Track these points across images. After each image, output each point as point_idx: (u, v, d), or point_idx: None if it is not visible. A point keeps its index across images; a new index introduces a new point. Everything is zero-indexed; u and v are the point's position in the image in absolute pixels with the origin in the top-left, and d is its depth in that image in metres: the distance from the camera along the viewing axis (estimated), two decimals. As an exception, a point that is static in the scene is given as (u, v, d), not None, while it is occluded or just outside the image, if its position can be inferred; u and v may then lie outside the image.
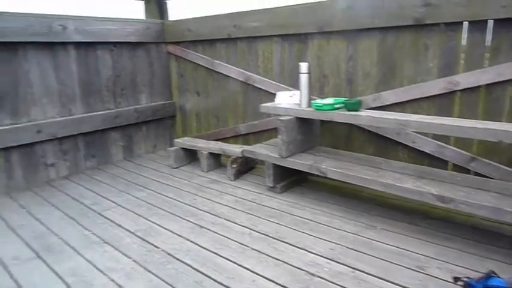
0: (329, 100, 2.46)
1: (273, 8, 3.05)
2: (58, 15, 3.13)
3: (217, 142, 3.46)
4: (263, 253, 1.96)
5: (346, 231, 2.17)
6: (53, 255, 1.98)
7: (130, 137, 3.79)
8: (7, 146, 2.91)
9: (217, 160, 3.39)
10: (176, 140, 3.55)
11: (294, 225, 2.26)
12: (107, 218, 2.42)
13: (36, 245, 2.10)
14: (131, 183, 3.05)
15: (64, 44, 3.19)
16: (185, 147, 3.45)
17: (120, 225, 2.31)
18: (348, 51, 2.73)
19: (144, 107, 3.83)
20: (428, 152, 2.50)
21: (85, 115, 3.36)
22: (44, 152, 3.15)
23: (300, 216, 2.37)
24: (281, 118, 2.57)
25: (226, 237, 2.14)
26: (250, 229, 2.23)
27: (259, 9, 3.14)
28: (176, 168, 3.43)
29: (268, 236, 2.14)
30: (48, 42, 3.08)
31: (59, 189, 2.97)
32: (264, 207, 2.54)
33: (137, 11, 4.10)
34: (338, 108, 2.41)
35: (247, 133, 3.48)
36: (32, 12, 2.99)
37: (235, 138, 3.59)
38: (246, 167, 3.25)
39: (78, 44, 3.28)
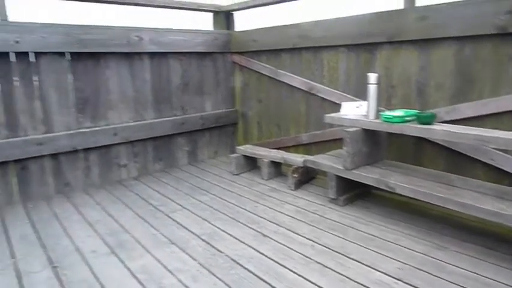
0: (399, 112, 2.36)
1: (340, 17, 3.02)
2: (135, 27, 3.37)
3: (278, 151, 3.48)
4: (327, 267, 1.92)
5: (415, 251, 2.06)
6: (125, 252, 2.11)
7: (195, 143, 3.95)
8: (87, 147, 3.18)
9: (277, 169, 3.40)
10: (238, 147, 3.63)
11: (359, 240, 2.19)
12: (173, 220, 2.53)
13: (111, 241, 2.25)
14: (195, 187, 3.17)
15: (139, 54, 3.42)
16: (246, 154, 3.52)
17: (186, 228, 2.40)
18: (419, 61, 2.61)
19: (209, 114, 3.98)
20: (509, 171, 2.30)
21: (155, 121, 3.57)
22: (117, 154, 3.39)
23: (365, 232, 2.30)
24: (347, 129, 2.52)
25: (289, 247, 2.14)
26: (312, 241, 2.20)
27: (325, 20, 3.12)
28: (237, 174, 3.50)
29: (332, 249, 2.10)
30: (126, 52, 3.32)
31: (129, 189, 3.17)
32: (326, 219, 2.50)
33: (205, 21, 4.28)
34: (408, 121, 2.31)
35: (309, 143, 3.45)
36: (112, 25, 3.25)
37: (296, 147, 3.59)
38: (307, 177, 3.22)
39: (152, 54, 3.50)
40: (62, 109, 3.05)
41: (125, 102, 3.39)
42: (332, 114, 2.72)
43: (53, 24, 2.91)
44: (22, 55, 2.81)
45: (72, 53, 3.03)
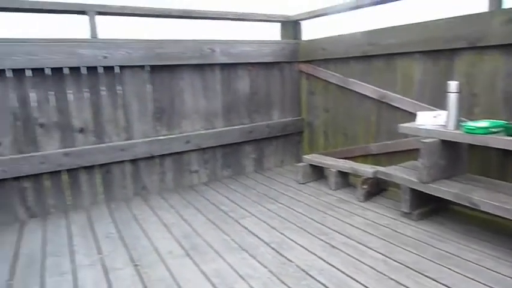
0: (483, 123, 2.19)
1: (414, 23, 2.89)
2: (207, 40, 3.54)
3: (346, 160, 3.40)
4: (402, 284, 1.83)
5: (502, 274, 1.88)
6: (199, 255, 2.21)
7: (261, 151, 4.02)
8: (163, 154, 3.39)
9: (345, 179, 3.33)
10: (304, 156, 3.62)
11: (436, 258, 2.07)
12: (243, 226, 2.59)
13: (185, 244, 2.37)
14: (262, 195, 3.22)
15: (211, 66, 3.59)
16: (313, 163, 3.50)
17: (255, 235, 2.45)
18: (506, 67, 2.41)
19: (275, 123, 4.03)
20: None
21: (224, 129, 3.70)
22: (189, 160, 3.57)
23: (442, 249, 2.16)
24: (423, 140, 2.39)
25: (360, 261, 2.08)
26: (385, 256, 2.12)
27: (398, 26, 3.02)
28: (303, 183, 3.49)
29: (406, 266, 2.00)
30: (199, 64, 3.50)
31: (200, 194, 3.31)
32: (399, 234, 2.39)
33: (266, 30, 4.33)
34: (494, 132, 2.14)
35: (379, 153, 3.34)
36: (186, 39, 3.45)
37: (364, 157, 3.48)
38: (377, 188, 3.11)
39: (223, 65, 3.65)
40: (141, 118, 3.30)
41: (197, 112, 3.56)
42: (407, 124, 2.61)
43: (136, 40, 3.17)
44: (109, 67, 3.09)
45: (151, 66, 3.27)
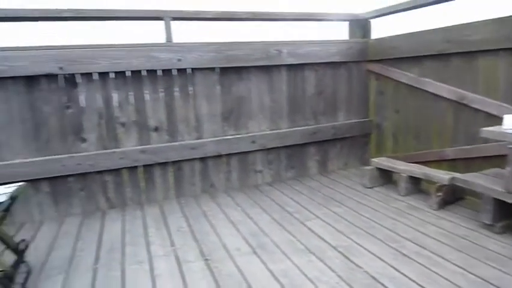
0: None
1: (497, 18, 2.65)
2: (274, 41, 3.57)
3: (418, 165, 3.22)
4: (485, 301, 1.70)
5: None
6: (266, 254, 2.24)
7: (325, 153, 3.96)
8: (229, 153, 3.49)
9: (416, 185, 3.16)
10: (372, 159, 3.50)
11: (524, 276, 1.89)
12: (309, 228, 2.58)
13: (252, 241, 2.42)
14: (328, 198, 3.18)
15: (278, 67, 3.61)
16: (381, 167, 3.37)
17: (321, 238, 2.43)
18: None
19: (341, 124, 3.95)
20: None
21: (289, 130, 3.71)
22: (254, 160, 3.63)
23: (532, 267, 1.96)
24: (511, 146, 2.19)
25: (435, 272, 1.97)
26: (464, 269, 1.98)
27: (480, 21, 2.79)
28: (370, 188, 3.38)
29: (488, 281, 1.86)
30: (266, 65, 3.54)
31: (265, 194, 3.36)
32: (479, 246, 2.22)
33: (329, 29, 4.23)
34: None
35: (455, 158, 3.12)
36: (254, 41, 3.51)
37: (438, 163, 3.27)
38: (453, 197, 2.91)
39: (289, 66, 3.65)
40: (211, 118, 3.43)
41: (263, 112, 3.61)
42: (491, 128, 2.40)
43: (207, 43, 3.30)
44: (181, 69, 3.25)
45: (220, 68, 3.38)
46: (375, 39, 3.94)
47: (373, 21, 4.07)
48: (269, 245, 2.37)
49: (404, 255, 2.16)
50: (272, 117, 3.67)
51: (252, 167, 3.64)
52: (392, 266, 2.04)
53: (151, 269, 2.15)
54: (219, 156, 3.47)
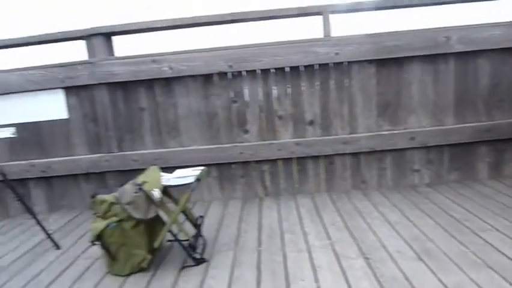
0: None
1: None
2: (443, 27, 3.21)
3: None
4: None
5: None
6: (435, 262, 2.05)
7: (500, 154, 3.39)
8: (384, 149, 3.32)
9: None
10: None
11: None
12: (484, 240, 2.26)
13: (415, 246, 2.25)
14: (505, 207, 2.72)
15: (444, 56, 3.24)
16: None
17: (503, 253, 2.10)
18: None
19: (524, 121, 3.32)
20: None
21: (454, 126, 3.31)
22: (412, 158, 3.37)
23: None
24: None
25: None
26: None
27: None
28: None
29: None
30: (430, 54, 3.22)
31: (424, 196, 3.09)
32: None
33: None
34: None
35: None
36: (417, 29, 3.22)
37: None
38: None
39: (458, 54, 3.24)
40: (365, 112, 3.32)
41: (424, 107, 3.31)
42: None
43: (365, 35, 3.19)
44: (338, 63, 3.22)
45: (378, 59, 3.22)
46: None
47: None
48: (436, 252, 2.17)
49: None
50: (434, 111, 3.33)
51: (409, 166, 3.39)
52: None
53: (311, 259, 2.21)
54: (372, 152, 3.34)
